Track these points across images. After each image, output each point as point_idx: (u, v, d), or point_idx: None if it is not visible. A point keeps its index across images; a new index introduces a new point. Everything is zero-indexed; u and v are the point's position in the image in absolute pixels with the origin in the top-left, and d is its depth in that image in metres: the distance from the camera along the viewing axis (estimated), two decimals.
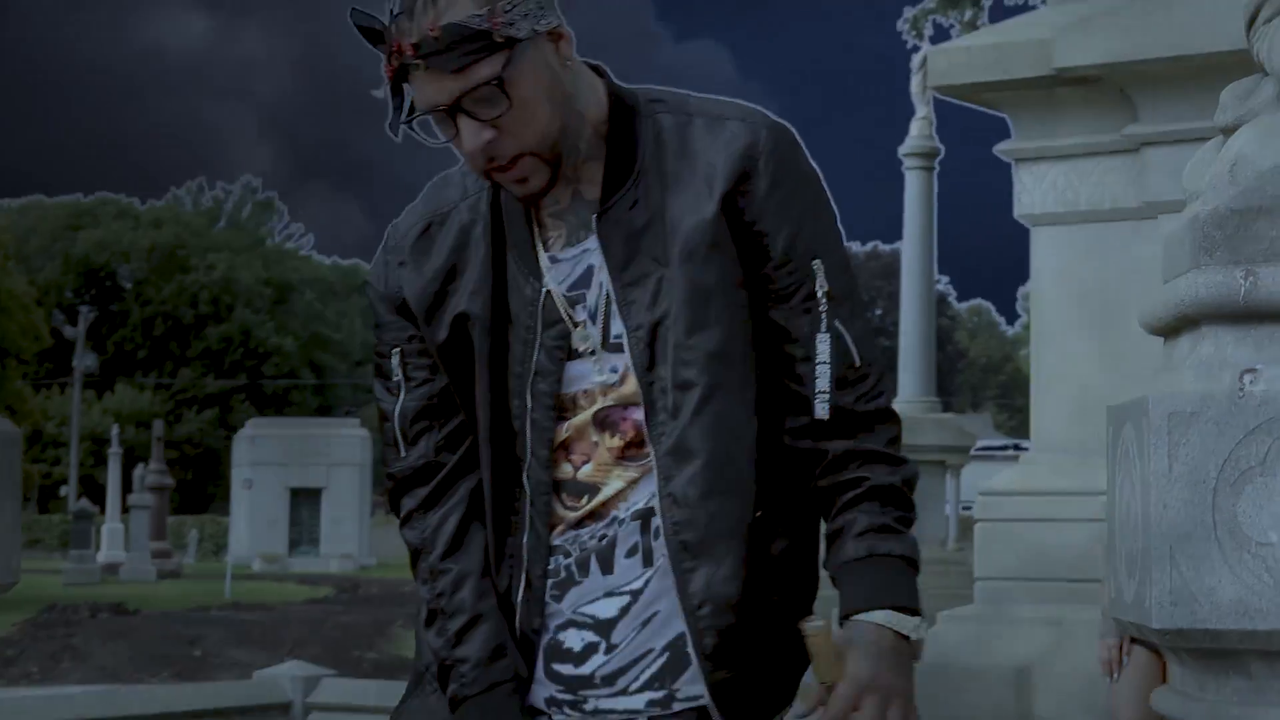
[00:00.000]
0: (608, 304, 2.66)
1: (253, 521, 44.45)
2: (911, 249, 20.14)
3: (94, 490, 53.30)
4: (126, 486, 41.20)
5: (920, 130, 19.91)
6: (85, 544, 35.39)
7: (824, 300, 2.63)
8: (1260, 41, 3.35)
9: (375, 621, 22.03)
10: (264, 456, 44.96)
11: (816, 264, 2.64)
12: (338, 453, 45.29)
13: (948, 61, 8.10)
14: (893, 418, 2.70)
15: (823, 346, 2.62)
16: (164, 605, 25.51)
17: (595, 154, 2.68)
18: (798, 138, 2.71)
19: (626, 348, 2.64)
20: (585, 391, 2.68)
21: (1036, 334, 8.14)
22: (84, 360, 56.11)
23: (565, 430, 2.69)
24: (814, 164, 2.71)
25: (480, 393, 2.72)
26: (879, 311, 72.97)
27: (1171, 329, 3.16)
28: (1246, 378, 2.85)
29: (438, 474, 2.79)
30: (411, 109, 2.59)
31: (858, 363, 2.64)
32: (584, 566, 2.69)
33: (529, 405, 2.68)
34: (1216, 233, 3.00)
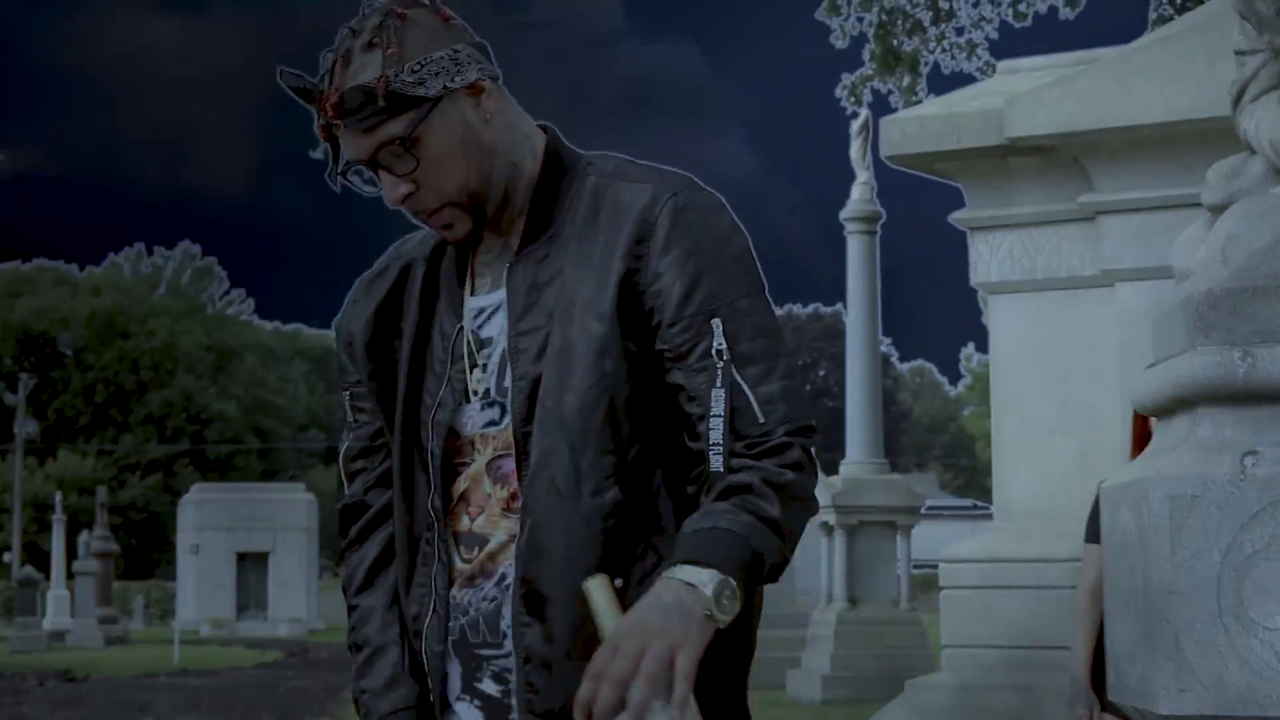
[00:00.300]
0: (504, 351, 2.69)
1: (200, 586, 44.14)
2: (856, 312, 20.14)
3: (38, 556, 52.84)
4: (71, 553, 40.86)
5: (861, 195, 19.93)
6: (31, 611, 35.09)
7: (719, 358, 2.57)
8: (1247, 120, 3.35)
9: (326, 686, 21.83)
10: (209, 521, 44.69)
11: (715, 322, 2.58)
12: (284, 517, 45.10)
13: (900, 131, 8.14)
14: (790, 453, 2.57)
15: (717, 403, 2.56)
16: (112, 672, 25.28)
17: (522, 206, 2.72)
18: (719, 201, 2.68)
19: (509, 395, 2.66)
20: (481, 435, 2.71)
21: (997, 401, 8.16)
22: (25, 427, 55.64)
23: (464, 481, 2.72)
24: (736, 227, 2.67)
25: (396, 419, 2.77)
26: (822, 373, 73.10)
27: (1166, 410, 3.14)
28: (1248, 460, 2.82)
29: (364, 514, 2.87)
30: (334, 168, 2.67)
31: (760, 419, 2.56)
32: (475, 628, 2.70)
33: (430, 436, 2.73)
34: (1211, 314, 2.99)
